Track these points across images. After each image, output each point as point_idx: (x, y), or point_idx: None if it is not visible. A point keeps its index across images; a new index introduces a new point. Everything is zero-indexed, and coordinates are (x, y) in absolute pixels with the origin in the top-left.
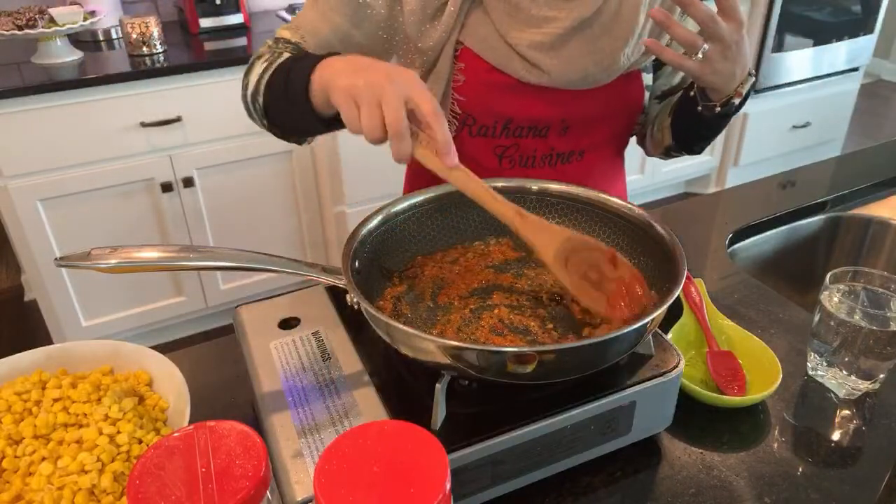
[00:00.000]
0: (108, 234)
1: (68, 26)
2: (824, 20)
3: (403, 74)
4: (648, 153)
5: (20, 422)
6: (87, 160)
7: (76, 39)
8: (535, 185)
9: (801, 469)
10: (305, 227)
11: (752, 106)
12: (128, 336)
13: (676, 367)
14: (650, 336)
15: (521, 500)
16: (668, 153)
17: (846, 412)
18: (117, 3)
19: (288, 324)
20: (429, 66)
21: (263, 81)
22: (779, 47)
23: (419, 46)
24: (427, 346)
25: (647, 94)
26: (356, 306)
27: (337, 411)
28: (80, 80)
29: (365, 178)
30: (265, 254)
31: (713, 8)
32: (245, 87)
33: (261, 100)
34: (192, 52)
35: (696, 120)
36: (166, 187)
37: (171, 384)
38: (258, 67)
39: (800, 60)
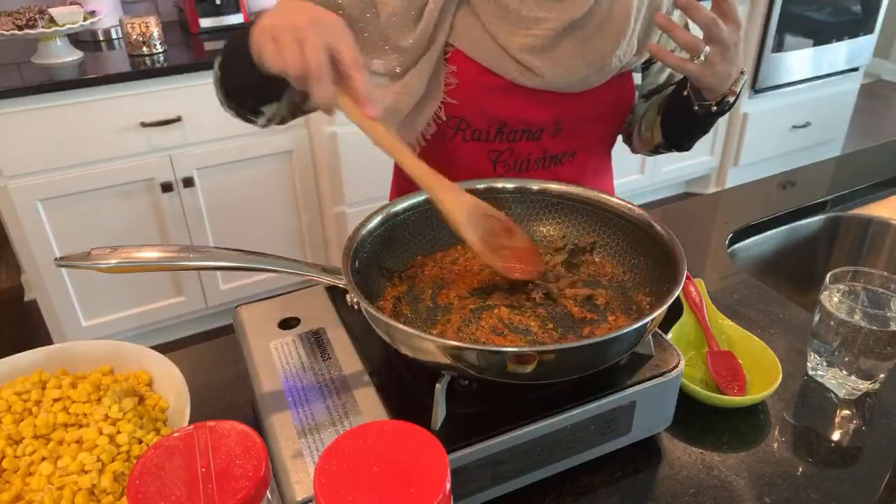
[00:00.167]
0: (108, 234)
1: (68, 26)
2: (824, 20)
3: (329, 19)
4: (634, 150)
5: (20, 422)
6: (87, 160)
7: (76, 39)
8: (535, 186)
9: (801, 469)
10: (305, 227)
11: (752, 106)
12: (128, 336)
13: (676, 367)
14: (650, 336)
15: (521, 500)
16: (656, 150)
17: (846, 412)
18: (117, 3)
19: (288, 324)
20: (407, 66)
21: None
22: (779, 47)
23: (399, 45)
24: (427, 346)
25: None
26: (356, 306)
27: (337, 411)
28: (80, 80)
29: (365, 178)
30: (265, 254)
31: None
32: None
33: (217, 71)
34: (192, 52)
35: (689, 119)
36: (166, 187)
37: (171, 384)
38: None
39: (800, 60)
